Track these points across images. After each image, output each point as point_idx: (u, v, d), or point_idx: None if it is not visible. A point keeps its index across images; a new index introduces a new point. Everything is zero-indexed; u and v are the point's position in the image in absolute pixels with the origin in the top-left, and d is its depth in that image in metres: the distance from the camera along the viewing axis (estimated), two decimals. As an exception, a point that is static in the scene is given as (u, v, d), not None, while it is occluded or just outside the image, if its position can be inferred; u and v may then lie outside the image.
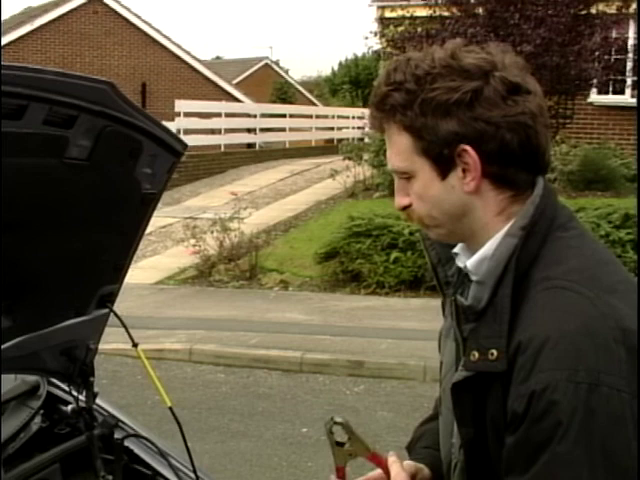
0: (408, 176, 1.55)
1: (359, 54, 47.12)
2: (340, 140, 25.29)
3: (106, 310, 2.51)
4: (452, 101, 1.46)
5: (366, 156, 18.42)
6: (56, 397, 2.75)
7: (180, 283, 11.49)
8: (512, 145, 1.48)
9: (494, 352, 1.47)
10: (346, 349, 8.10)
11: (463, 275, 1.64)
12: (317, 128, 29.39)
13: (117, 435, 2.65)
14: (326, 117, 31.37)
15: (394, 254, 10.29)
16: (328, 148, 27.01)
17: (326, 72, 55.70)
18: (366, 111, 26.62)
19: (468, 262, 1.59)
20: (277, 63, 44.96)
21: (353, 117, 30.87)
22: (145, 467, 2.61)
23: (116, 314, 2.55)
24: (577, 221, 1.59)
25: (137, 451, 2.65)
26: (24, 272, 2.14)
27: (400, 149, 1.54)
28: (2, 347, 2.20)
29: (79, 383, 2.61)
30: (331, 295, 10.62)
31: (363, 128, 23.60)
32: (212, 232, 11.67)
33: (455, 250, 1.66)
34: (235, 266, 11.44)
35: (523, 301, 1.48)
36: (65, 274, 2.26)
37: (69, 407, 2.68)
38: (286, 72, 44.91)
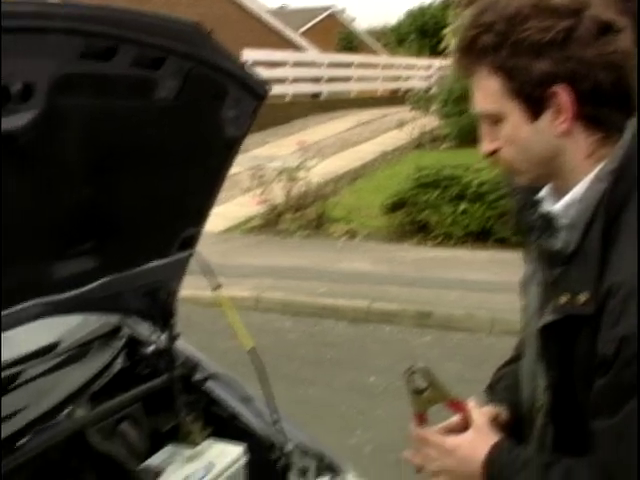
0: (496, 120, 1.53)
1: (426, 3, 46.43)
2: (406, 90, 25.05)
3: (188, 252, 2.52)
4: (545, 41, 1.43)
5: (434, 106, 18.25)
6: (137, 339, 2.79)
7: (247, 232, 11.55)
8: (605, 85, 1.45)
9: (583, 296, 1.47)
10: (414, 299, 8.08)
11: (548, 220, 1.61)
12: (383, 78, 29.12)
13: (197, 376, 2.69)
14: (392, 67, 31.04)
15: (462, 205, 10.20)
16: (394, 98, 26.80)
17: (392, 21, 55.05)
18: (433, 61, 26.51)
19: (556, 206, 1.57)
20: (343, 12, 44.48)
21: (420, 67, 30.51)
22: (224, 408, 2.64)
23: (199, 257, 2.57)
24: None
25: (217, 392, 2.68)
26: (110, 213, 2.16)
27: (490, 91, 1.51)
28: (88, 287, 2.24)
29: (160, 324, 2.66)
30: (398, 246, 10.59)
31: (430, 78, 23.38)
32: (279, 181, 11.68)
33: (540, 195, 1.65)
34: (302, 215, 11.45)
35: (613, 245, 1.46)
36: (150, 216, 2.28)
37: (150, 348, 2.72)
38: (352, 21, 44.42)
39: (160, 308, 2.58)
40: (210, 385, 2.69)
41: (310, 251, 10.39)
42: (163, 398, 2.60)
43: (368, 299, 8.13)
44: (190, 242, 2.51)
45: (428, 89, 20.91)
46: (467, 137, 16.64)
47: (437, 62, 25.35)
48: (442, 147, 17.41)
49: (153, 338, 2.70)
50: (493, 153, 1.58)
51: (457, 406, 1.76)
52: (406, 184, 10.87)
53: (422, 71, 29.43)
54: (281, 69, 23.39)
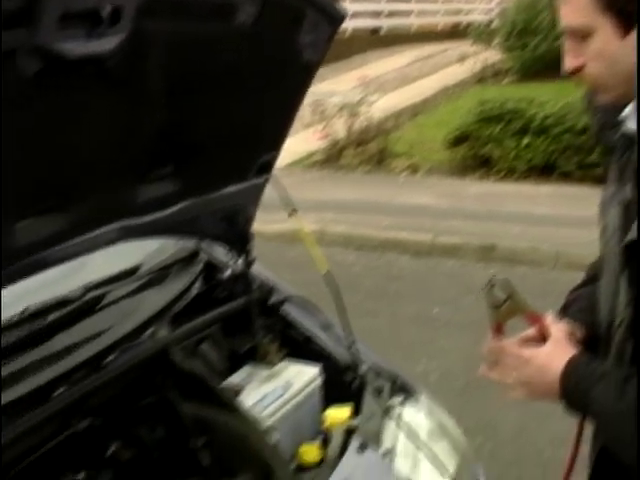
0: (584, 35, 1.50)
1: None
2: (468, 24, 24.60)
3: (265, 178, 2.56)
4: None
5: (496, 40, 17.96)
6: (214, 264, 2.85)
7: (309, 167, 11.56)
8: None
9: None
10: (477, 233, 8.06)
11: (629, 140, 1.62)
12: (444, 12, 28.63)
13: (273, 299, 2.76)
14: (453, 0, 30.47)
15: (526, 139, 10.07)
16: (455, 33, 26.34)
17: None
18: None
19: None
20: None
21: (481, 0, 29.93)
22: (300, 331, 2.71)
23: (276, 180, 2.61)
24: None
25: (292, 315, 2.74)
26: (190, 137, 2.19)
27: (579, 5, 1.49)
28: (167, 211, 2.29)
29: (237, 249, 2.71)
30: (460, 180, 10.53)
31: (492, 11, 22.95)
32: (340, 116, 11.65)
33: (624, 114, 1.64)
34: (363, 151, 11.43)
35: None
36: (228, 140, 2.31)
37: (227, 272, 2.79)
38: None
39: (237, 232, 2.63)
40: (286, 308, 2.74)
41: (372, 186, 10.39)
42: (241, 321, 2.67)
43: (431, 233, 8.14)
44: (267, 167, 2.55)
45: (490, 22, 20.54)
46: (530, 71, 16.38)
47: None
48: (504, 81, 17.14)
49: (230, 262, 2.76)
50: (577, 71, 1.55)
51: (535, 319, 1.78)
52: (469, 118, 10.75)
53: (484, 4, 28.86)
54: (340, 3, 23.06)
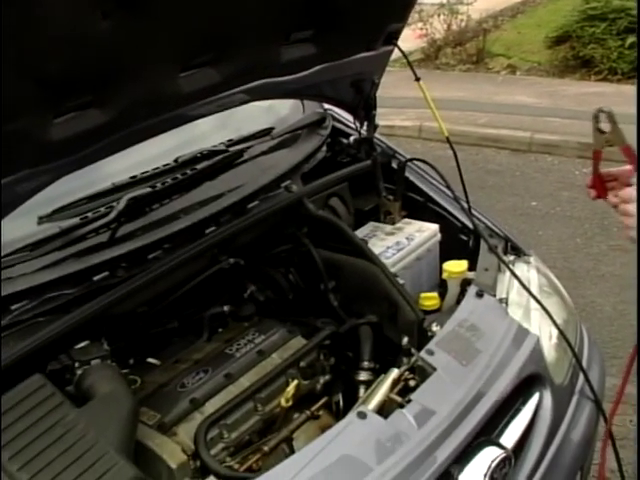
0: None
1: None
2: None
3: (391, 47, 2.72)
4: None
5: None
6: (339, 130, 3.03)
7: (407, 66, 11.54)
8: None
9: None
10: (576, 131, 8.04)
11: None
12: None
13: (395, 163, 2.94)
14: None
15: (630, 39, 9.87)
16: None
17: None
18: None
19: None
20: None
21: None
22: (420, 193, 2.89)
23: (401, 50, 2.76)
24: None
25: (412, 178, 2.92)
26: (328, 3, 2.35)
27: None
28: (304, 73, 2.47)
29: (362, 115, 2.89)
30: (560, 80, 10.44)
31: None
32: (439, 15, 11.59)
33: None
34: (462, 50, 11.40)
35: None
36: (362, 9, 2.45)
37: (351, 138, 2.97)
38: None
39: (364, 99, 2.80)
40: (407, 172, 2.92)
41: (470, 84, 10.39)
42: (365, 181, 2.86)
43: (529, 130, 8.18)
44: (394, 37, 2.69)
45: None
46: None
47: None
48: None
49: (355, 128, 2.94)
50: None
51: (630, 153, 1.91)
52: (572, 17, 10.58)
53: None
54: None
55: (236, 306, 2.46)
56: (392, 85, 10.42)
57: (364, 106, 2.83)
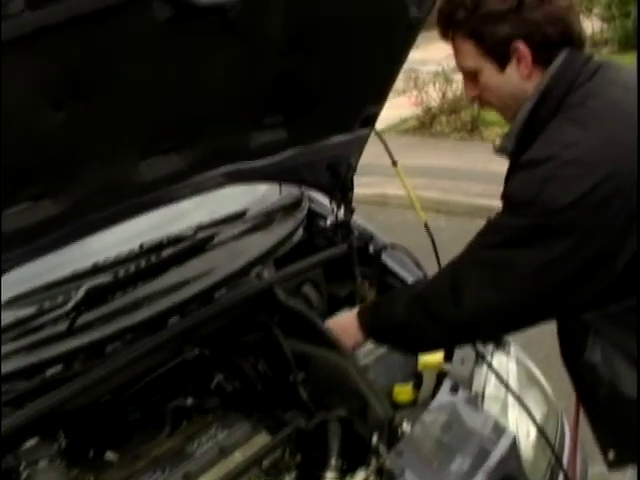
0: (474, 73, 1.97)
1: None
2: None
3: (368, 130, 2.66)
4: (504, 10, 1.87)
5: (596, 9, 17.53)
6: (315, 212, 2.97)
7: (401, 133, 11.56)
8: (553, 35, 1.87)
9: None
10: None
11: None
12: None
13: (372, 247, 2.86)
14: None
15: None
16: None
17: None
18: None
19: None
20: None
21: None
22: (398, 278, 2.80)
23: (378, 134, 2.71)
24: (600, 99, 1.85)
25: (390, 263, 2.84)
26: (301, 87, 2.29)
27: (467, 53, 1.96)
28: (275, 158, 2.41)
29: (339, 198, 2.82)
30: (554, 150, 10.40)
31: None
32: (434, 83, 11.62)
33: None
34: (457, 118, 11.36)
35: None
36: (336, 91, 2.39)
37: (328, 220, 2.90)
38: None
39: (339, 182, 2.74)
40: (384, 256, 2.84)
41: (464, 153, 10.35)
42: (341, 266, 2.78)
43: (523, 201, 8.09)
44: (371, 119, 2.64)
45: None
46: (631, 41, 15.95)
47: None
48: (604, 52, 16.77)
49: (331, 211, 2.87)
50: (475, 99, 2.05)
51: None
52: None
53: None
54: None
55: (201, 398, 2.37)
56: (385, 153, 10.47)
57: (340, 189, 2.76)
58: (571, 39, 1.91)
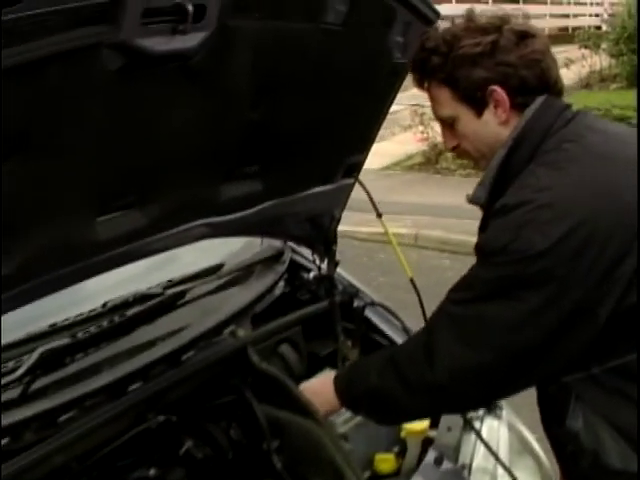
0: (452, 121, 1.95)
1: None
2: (575, 28, 24.05)
3: (352, 180, 2.53)
4: (477, 53, 1.85)
5: (604, 45, 17.53)
6: (298, 264, 2.83)
7: (406, 169, 11.49)
8: (530, 79, 1.85)
9: None
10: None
11: None
12: (551, 15, 28.06)
13: (356, 304, 2.71)
14: (561, 3, 29.82)
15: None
16: (562, 37, 25.72)
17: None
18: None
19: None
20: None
21: (591, 4, 29.26)
22: (383, 336, 2.66)
23: (362, 184, 2.58)
24: (577, 143, 1.81)
25: (375, 320, 2.70)
26: (276, 137, 2.17)
27: (442, 100, 1.95)
28: (250, 211, 2.27)
29: (322, 251, 2.68)
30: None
31: (601, 15, 22.42)
32: (440, 119, 11.52)
33: None
34: None
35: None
36: (315, 141, 2.27)
37: (311, 274, 2.76)
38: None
39: (322, 234, 2.60)
40: (369, 313, 2.70)
41: (469, 190, 10.22)
42: (322, 323, 2.63)
43: (528, 240, 7.95)
44: (353, 169, 2.51)
45: (598, 27, 20.06)
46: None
47: (607, -1, 24.32)
48: (612, 88, 16.72)
49: (314, 264, 2.73)
50: (455, 148, 2.01)
51: None
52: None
53: (593, 7, 28.21)
54: (445, 5, 22.85)
55: (166, 468, 2.21)
56: (390, 189, 10.39)
57: (323, 241, 2.62)
58: (548, 84, 1.89)
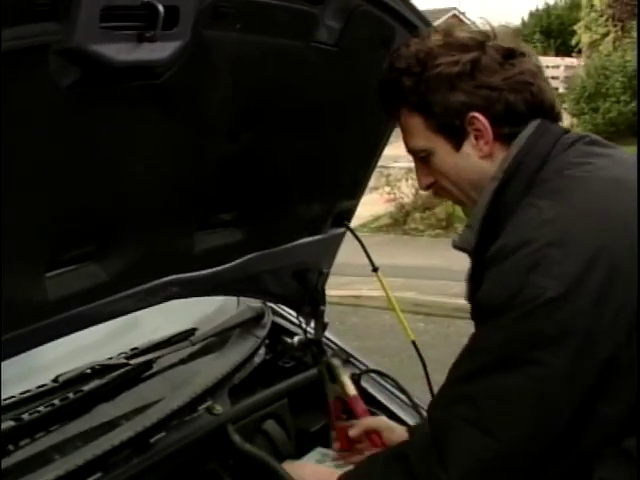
0: (426, 154, 1.65)
1: (551, 2, 45.43)
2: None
3: (342, 230, 2.24)
4: (455, 74, 1.57)
5: (564, 105, 17.76)
6: (281, 328, 2.53)
7: (374, 231, 11.44)
8: (518, 104, 1.58)
9: None
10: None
11: None
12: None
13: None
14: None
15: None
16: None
17: (515, 22, 54.02)
18: (560, 60, 25.91)
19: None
20: (464, 14, 43.92)
21: (547, 66, 29.78)
22: (382, 408, 2.34)
23: (354, 234, 2.29)
24: (581, 167, 1.55)
25: (371, 390, 2.38)
26: (257, 177, 1.88)
27: (415, 129, 1.65)
28: (227, 265, 1.97)
29: (308, 312, 2.38)
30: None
31: (557, 78, 22.84)
32: (407, 180, 11.48)
33: None
34: (431, 215, 11.26)
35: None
36: (301, 184, 2.00)
37: (296, 338, 2.46)
38: (473, 23, 43.72)
39: (308, 293, 2.30)
40: (365, 382, 2.38)
41: (441, 251, 10.07)
42: (312, 394, 2.31)
43: (504, 301, 7.77)
44: (344, 217, 2.24)
45: (555, 88, 20.35)
46: (600, 135, 16.09)
47: (564, 61, 24.85)
48: (576, 147, 16.91)
49: (300, 327, 2.42)
50: (432, 185, 1.71)
51: (357, 405, 2.00)
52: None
53: (550, 70, 28.72)
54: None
55: None
56: (358, 252, 10.16)
57: (310, 301, 2.32)
58: (541, 111, 1.62)
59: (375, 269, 2.37)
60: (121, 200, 1.57)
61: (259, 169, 1.87)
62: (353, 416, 2.04)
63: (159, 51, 1.36)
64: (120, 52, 1.29)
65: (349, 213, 2.24)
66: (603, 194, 1.51)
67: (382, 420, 2.00)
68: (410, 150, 1.70)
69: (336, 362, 1.97)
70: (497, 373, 1.44)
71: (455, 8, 43.16)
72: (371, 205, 12.16)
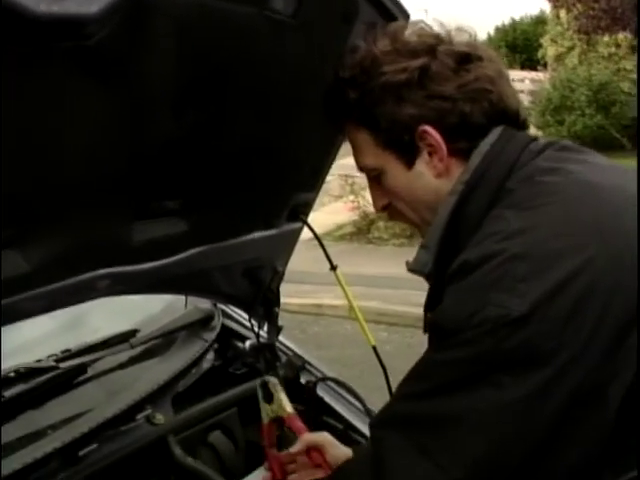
0: (378, 173, 1.51)
1: (517, 18, 45.95)
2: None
3: (299, 224, 2.08)
4: (401, 83, 1.42)
5: (530, 118, 17.94)
6: (231, 331, 2.37)
7: (338, 240, 11.36)
8: (474, 116, 1.43)
9: None
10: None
11: None
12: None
13: (305, 379, 2.24)
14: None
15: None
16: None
17: (482, 37, 54.66)
18: (526, 73, 26.14)
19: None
20: (431, 28, 44.40)
21: (512, 79, 30.10)
22: (339, 418, 2.17)
23: (311, 228, 2.12)
24: (555, 172, 1.37)
25: (327, 399, 2.22)
26: (205, 161, 1.71)
27: (362, 146, 1.51)
28: (171, 259, 1.79)
29: (261, 314, 2.21)
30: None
31: (523, 91, 23.08)
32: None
33: None
34: (395, 224, 11.15)
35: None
36: (254, 173, 1.83)
37: (248, 343, 2.32)
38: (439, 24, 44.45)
39: (262, 293, 2.14)
40: (321, 390, 2.22)
41: (404, 259, 9.99)
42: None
43: (469, 311, 7.70)
44: (301, 211, 2.06)
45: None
46: (566, 148, 16.37)
47: (529, 75, 25.17)
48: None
49: (252, 330, 2.26)
50: (387, 207, 1.56)
51: (296, 424, 1.84)
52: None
53: (515, 83, 29.09)
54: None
55: None
56: (320, 260, 9.98)
57: (263, 302, 2.15)
58: (504, 118, 1.46)
59: (333, 267, 2.21)
60: (47, 183, 1.38)
61: (207, 153, 1.69)
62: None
63: (87, 4, 1.18)
64: (41, 1, 1.11)
65: (306, 207, 2.08)
66: (581, 200, 1.33)
67: (324, 436, 1.84)
68: (360, 169, 1.55)
69: (271, 379, 1.81)
70: (448, 395, 1.26)
71: (422, 21, 43.68)
72: (335, 214, 12.07)
